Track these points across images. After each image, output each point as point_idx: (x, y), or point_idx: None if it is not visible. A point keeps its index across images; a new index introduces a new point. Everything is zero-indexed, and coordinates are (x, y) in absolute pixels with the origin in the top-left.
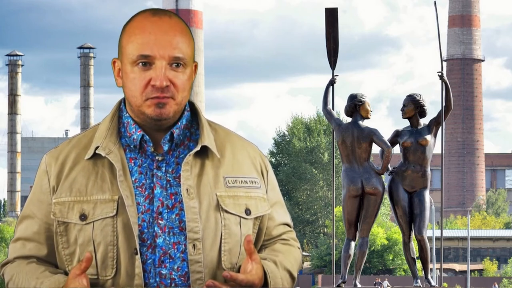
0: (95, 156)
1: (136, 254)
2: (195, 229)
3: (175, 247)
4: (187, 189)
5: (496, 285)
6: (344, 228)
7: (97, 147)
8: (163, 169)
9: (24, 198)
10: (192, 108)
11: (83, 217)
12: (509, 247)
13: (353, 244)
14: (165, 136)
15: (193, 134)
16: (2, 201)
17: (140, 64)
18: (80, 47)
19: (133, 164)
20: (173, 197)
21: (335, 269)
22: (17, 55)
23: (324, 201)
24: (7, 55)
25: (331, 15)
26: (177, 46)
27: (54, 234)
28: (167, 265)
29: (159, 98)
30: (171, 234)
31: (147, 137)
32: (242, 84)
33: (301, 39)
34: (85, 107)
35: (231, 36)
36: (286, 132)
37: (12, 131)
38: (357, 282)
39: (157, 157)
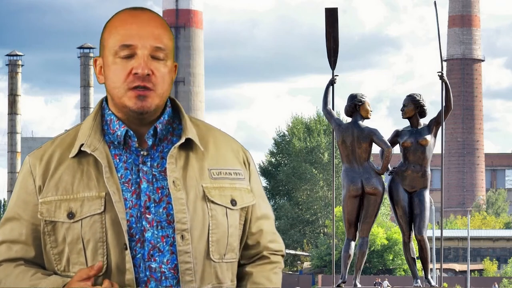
0: (80, 154)
1: (126, 249)
2: (183, 220)
3: (164, 240)
4: (173, 181)
5: (496, 285)
6: (344, 228)
7: (82, 145)
8: (148, 163)
9: None
10: (173, 105)
11: (70, 215)
12: (509, 247)
13: (353, 244)
14: (149, 130)
15: (176, 129)
16: (2, 201)
17: (122, 55)
18: (80, 47)
19: (118, 160)
20: (159, 191)
21: (335, 269)
22: (17, 55)
23: (324, 201)
24: (7, 55)
25: (331, 15)
26: (158, 37)
27: (41, 234)
28: (156, 258)
29: (139, 89)
30: (159, 227)
31: (131, 132)
32: (242, 84)
33: (301, 39)
34: (85, 107)
35: (231, 36)
36: (286, 132)
37: (12, 131)
38: (357, 282)
39: (142, 152)
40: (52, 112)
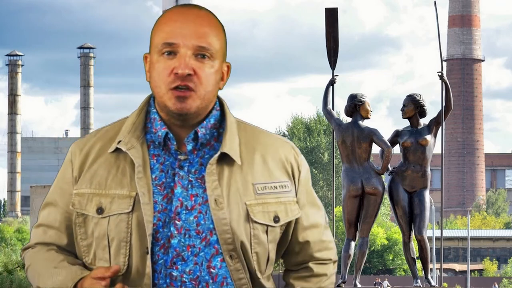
0: (118, 149)
1: (147, 253)
2: (228, 241)
3: (189, 249)
4: (215, 200)
5: (496, 285)
6: (344, 228)
7: (119, 142)
8: (186, 168)
9: (24, 198)
10: (222, 108)
11: (100, 210)
12: (509, 247)
13: (353, 244)
14: (189, 134)
15: (221, 134)
16: (2, 201)
17: (166, 53)
18: (80, 47)
19: (155, 161)
20: (193, 198)
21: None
22: (17, 55)
23: (324, 201)
24: (7, 55)
25: (331, 15)
26: (203, 35)
27: (73, 224)
28: (178, 267)
29: (179, 90)
30: (186, 236)
31: (171, 134)
32: (242, 84)
33: (301, 39)
34: (85, 107)
35: (231, 36)
36: (286, 132)
37: (12, 131)
38: (357, 282)
39: (179, 156)
40: (52, 112)
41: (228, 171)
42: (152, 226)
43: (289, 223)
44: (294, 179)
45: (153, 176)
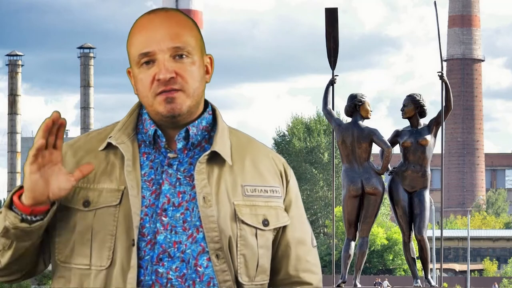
0: (109, 147)
1: (133, 245)
2: (215, 239)
3: (176, 246)
4: (203, 197)
5: (496, 285)
6: (344, 228)
7: (110, 137)
8: (175, 167)
9: None
10: (214, 114)
11: (86, 203)
12: (509, 247)
13: (353, 244)
14: (180, 132)
15: (212, 137)
16: (2, 201)
17: (144, 63)
18: (80, 47)
19: (145, 159)
20: (180, 195)
21: (335, 269)
22: (17, 55)
23: (324, 201)
24: (7, 55)
25: (331, 15)
26: (176, 36)
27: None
28: (165, 263)
29: (166, 92)
30: (173, 232)
31: (160, 132)
32: (242, 84)
33: (301, 39)
34: (85, 107)
35: (231, 36)
36: (286, 132)
37: (12, 131)
38: (357, 282)
39: (169, 154)
40: (52, 112)
41: (218, 171)
42: (139, 219)
43: (277, 232)
44: (283, 187)
45: (142, 172)
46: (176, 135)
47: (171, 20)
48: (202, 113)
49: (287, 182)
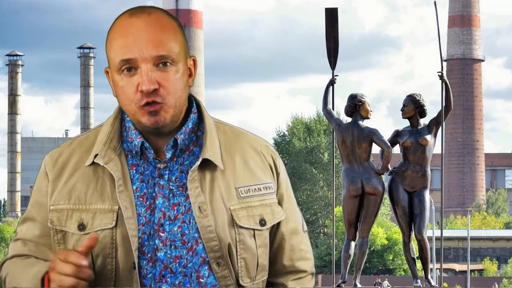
0: (96, 163)
1: (134, 268)
2: (215, 248)
3: (177, 261)
4: (199, 207)
5: (496, 285)
6: (344, 228)
7: (96, 156)
8: (166, 177)
9: (24, 198)
10: (199, 110)
11: (81, 226)
12: (509, 247)
13: (353, 244)
14: (168, 142)
15: (200, 137)
16: (2, 201)
17: (125, 70)
18: (80, 47)
19: (134, 172)
20: (175, 207)
21: (335, 269)
22: (17, 55)
23: (324, 201)
24: (7, 55)
25: (331, 15)
26: (159, 44)
27: (52, 241)
28: (168, 280)
29: (149, 105)
30: (172, 247)
31: (147, 144)
32: (242, 84)
33: (301, 39)
34: (85, 107)
35: (231, 36)
36: (286, 132)
37: (12, 131)
38: (357, 282)
39: (158, 165)
40: (52, 112)
41: (210, 177)
42: (137, 240)
43: (273, 226)
44: (275, 178)
45: (134, 188)
46: (165, 146)
47: (155, 25)
48: (188, 114)
49: (278, 174)
